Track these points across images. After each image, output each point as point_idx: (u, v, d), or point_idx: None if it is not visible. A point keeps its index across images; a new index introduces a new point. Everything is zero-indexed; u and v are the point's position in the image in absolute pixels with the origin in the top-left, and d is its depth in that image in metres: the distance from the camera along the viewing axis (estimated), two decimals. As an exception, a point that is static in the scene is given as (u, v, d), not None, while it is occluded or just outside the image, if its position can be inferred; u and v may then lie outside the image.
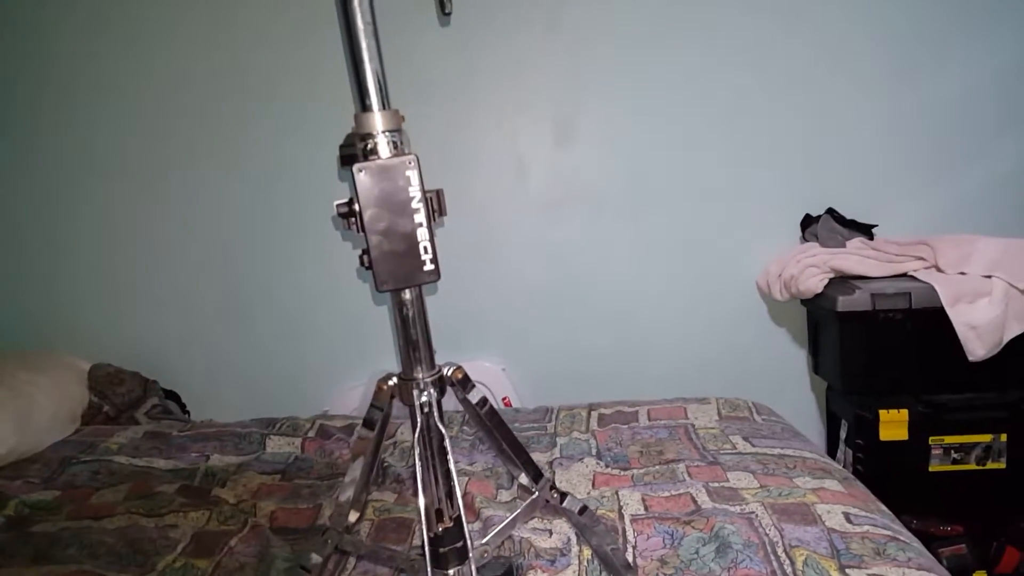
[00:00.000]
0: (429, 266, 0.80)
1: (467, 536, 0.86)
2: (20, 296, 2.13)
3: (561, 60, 1.95)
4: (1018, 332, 1.62)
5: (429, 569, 0.81)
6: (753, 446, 1.51)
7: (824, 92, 1.92)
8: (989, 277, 1.65)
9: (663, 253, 2.04)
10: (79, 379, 1.97)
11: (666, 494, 1.33)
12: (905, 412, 1.68)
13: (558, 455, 1.56)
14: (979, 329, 1.62)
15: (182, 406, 2.14)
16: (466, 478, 1.45)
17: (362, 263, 0.81)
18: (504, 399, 2.04)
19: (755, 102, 1.94)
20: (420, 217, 0.79)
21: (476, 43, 1.94)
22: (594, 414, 1.75)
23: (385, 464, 1.57)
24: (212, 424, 1.87)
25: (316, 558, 0.99)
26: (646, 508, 1.29)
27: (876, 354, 1.73)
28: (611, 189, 2.01)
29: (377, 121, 0.82)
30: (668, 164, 1.99)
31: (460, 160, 2.01)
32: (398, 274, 0.80)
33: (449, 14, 0.86)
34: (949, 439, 1.68)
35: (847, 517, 1.19)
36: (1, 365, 1.83)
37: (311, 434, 1.75)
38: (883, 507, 1.27)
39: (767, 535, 1.15)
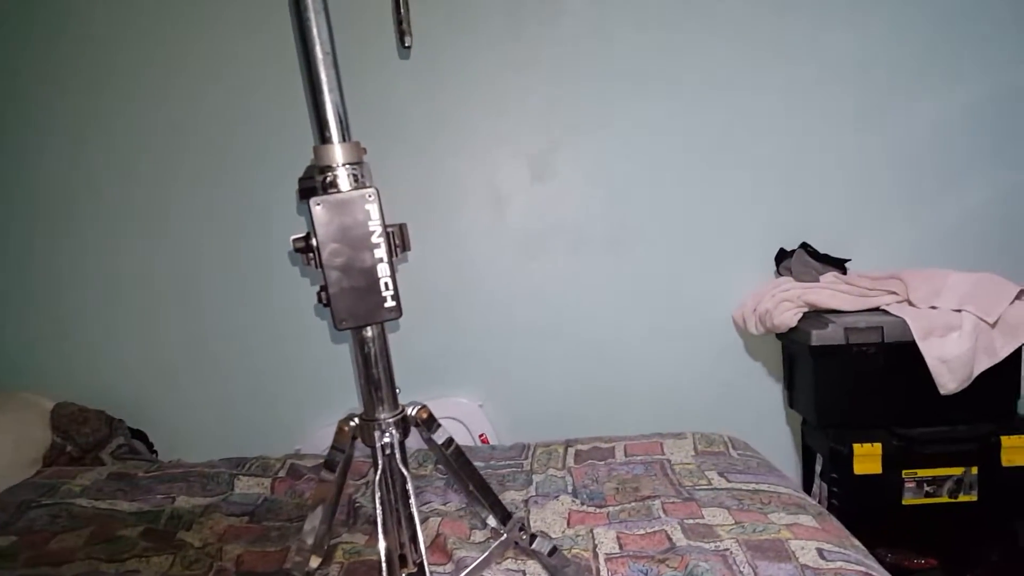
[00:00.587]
0: (390, 303, 0.79)
1: (429, 581, 0.83)
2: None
3: (539, 96, 1.97)
4: (988, 366, 1.64)
5: (390, 615, 0.78)
6: (729, 481, 1.49)
7: (798, 129, 1.96)
8: (959, 311, 1.67)
9: (641, 288, 2.04)
10: (41, 419, 1.92)
11: (641, 532, 1.31)
12: (879, 446, 1.68)
13: (534, 493, 1.54)
14: (950, 363, 1.63)
15: (149, 445, 2.08)
16: (439, 518, 1.42)
17: (320, 300, 0.79)
18: (481, 436, 2.01)
19: (731, 139, 1.97)
20: (381, 252, 0.78)
21: (452, 78, 1.96)
22: (571, 450, 1.73)
23: (357, 504, 1.53)
24: (180, 464, 1.82)
25: (276, 606, 0.95)
26: (621, 546, 1.27)
27: (850, 388, 1.74)
28: (589, 224, 2.02)
29: (337, 153, 0.80)
30: (646, 200, 2.00)
31: (437, 194, 2.01)
32: (358, 312, 0.79)
33: (409, 47, 0.86)
34: (922, 472, 1.67)
35: (821, 553, 1.17)
36: (-40, 405, 1.78)
37: (281, 474, 1.71)
38: (857, 542, 1.26)
39: (741, 572, 1.13)
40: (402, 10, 0.87)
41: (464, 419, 2.02)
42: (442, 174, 2.00)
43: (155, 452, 2.09)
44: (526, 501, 1.49)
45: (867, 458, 1.68)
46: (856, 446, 1.68)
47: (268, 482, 1.67)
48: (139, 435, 2.08)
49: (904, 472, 1.68)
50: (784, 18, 1.91)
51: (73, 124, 1.99)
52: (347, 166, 0.80)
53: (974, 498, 1.67)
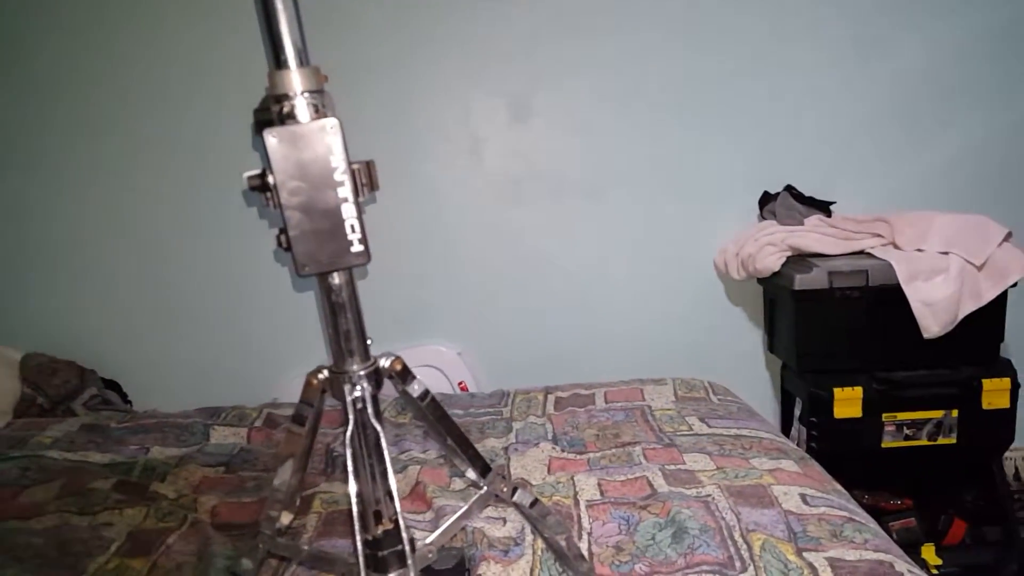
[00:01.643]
0: (357, 247, 0.73)
1: (405, 540, 0.80)
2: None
3: (516, 34, 1.88)
4: (973, 309, 1.63)
5: (363, 573, 0.75)
6: (709, 427, 1.48)
7: (780, 70, 1.90)
8: (946, 254, 1.65)
9: (622, 233, 2.00)
10: (10, 370, 1.86)
11: (622, 478, 1.30)
12: (859, 390, 1.68)
13: (514, 440, 1.52)
14: (935, 306, 1.62)
15: (124, 396, 2.04)
16: (419, 466, 1.40)
17: (279, 244, 0.73)
18: (460, 383, 1.99)
19: (712, 81, 1.91)
20: (345, 191, 0.72)
21: (424, 9, 1.85)
22: (550, 398, 1.71)
23: (335, 453, 1.51)
24: (154, 415, 1.78)
25: (247, 563, 0.92)
26: (602, 493, 1.26)
27: (832, 332, 1.73)
28: (569, 169, 1.96)
29: (294, 80, 0.73)
30: (626, 143, 1.94)
31: (409, 136, 1.93)
32: (321, 257, 0.73)
33: None
34: (902, 415, 1.68)
35: (804, 499, 1.17)
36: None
37: (258, 423, 1.68)
38: (839, 487, 1.26)
39: (724, 519, 1.12)
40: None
41: (443, 367, 2.00)
42: (413, 111, 1.92)
43: (129, 403, 2.05)
44: (506, 449, 1.48)
45: (847, 402, 1.69)
46: (837, 390, 1.69)
47: (244, 432, 1.64)
48: (113, 385, 2.03)
49: (884, 416, 1.68)
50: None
51: (35, 76, 1.88)
52: (306, 94, 0.72)
53: (953, 440, 1.69)
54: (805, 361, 1.77)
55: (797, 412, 1.84)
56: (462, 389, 1.98)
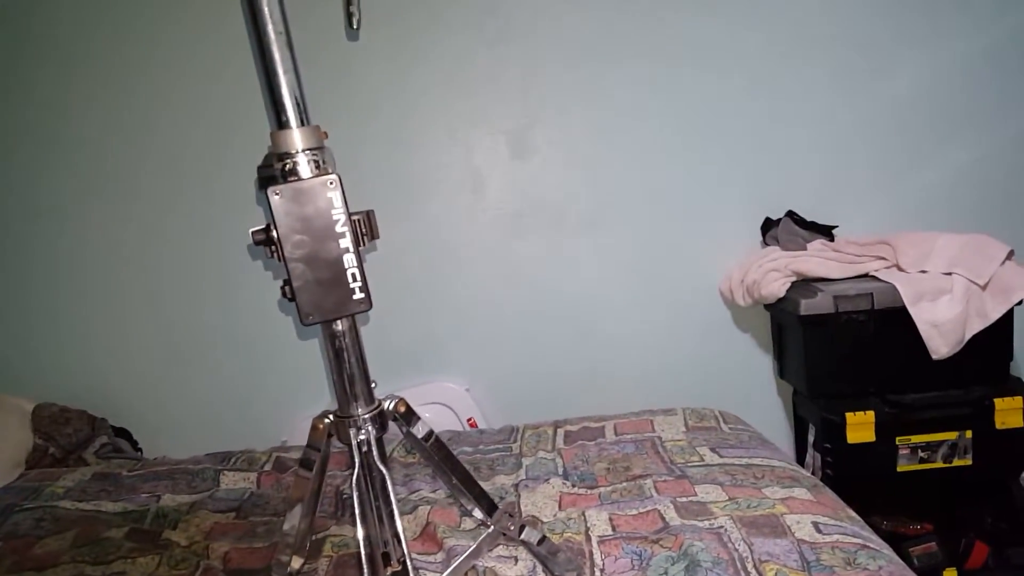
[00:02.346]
0: (359, 294, 0.75)
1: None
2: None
3: (513, 71, 1.92)
4: (979, 328, 1.62)
5: (373, 617, 0.75)
6: (721, 457, 1.47)
7: (777, 95, 1.92)
8: (949, 274, 1.65)
9: (625, 263, 2.01)
10: (22, 421, 1.88)
11: (634, 512, 1.29)
12: (871, 414, 1.66)
13: (524, 476, 1.51)
14: (941, 327, 1.61)
15: (134, 443, 2.05)
16: (429, 506, 1.39)
17: (284, 294, 0.75)
18: (469, 420, 1.99)
19: (710, 108, 1.93)
20: (346, 242, 0.74)
21: (422, 56, 1.90)
22: (560, 431, 1.71)
23: (345, 496, 1.51)
24: (164, 461, 1.79)
25: (259, 608, 0.92)
26: (613, 528, 1.25)
27: (840, 356, 1.72)
28: (570, 201, 1.98)
29: (295, 139, 0.76)
30: (626, 173, 1.96)
31: (412, 176, 1.96)
32: (324, 305, 0.75)
33: (357, 29, 0.81)
34: (916, 438, 1.67)
35: (816, 527, 1.16)
36: (-65, 412, 1.73)
37: (267, 467, 1.68)
38: (852, 513, 1.25)
39: (736, 550, 1.11)
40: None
41: (452, 404, 2.00)
42: (414, 157, 1.96)
43: (139, 450, 2.06)
44: (516, 485, 1.47)
45: (860, 426, 1.67)
46: (848, 415, 1.67)
47: (254, 476, 1.64)
48: (123, 433, 2.04)
49: (898, 439, 1.67)
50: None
51: (38, 124, 1.94)
52: (307, 152, 0.75)
53: (968, 462, 1.67)
54: (815, 386, 1.76)
55: (811, 438, 1.83)
56: (471, 425, 1.98)
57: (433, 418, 1.96)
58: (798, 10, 1.88)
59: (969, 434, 1.66)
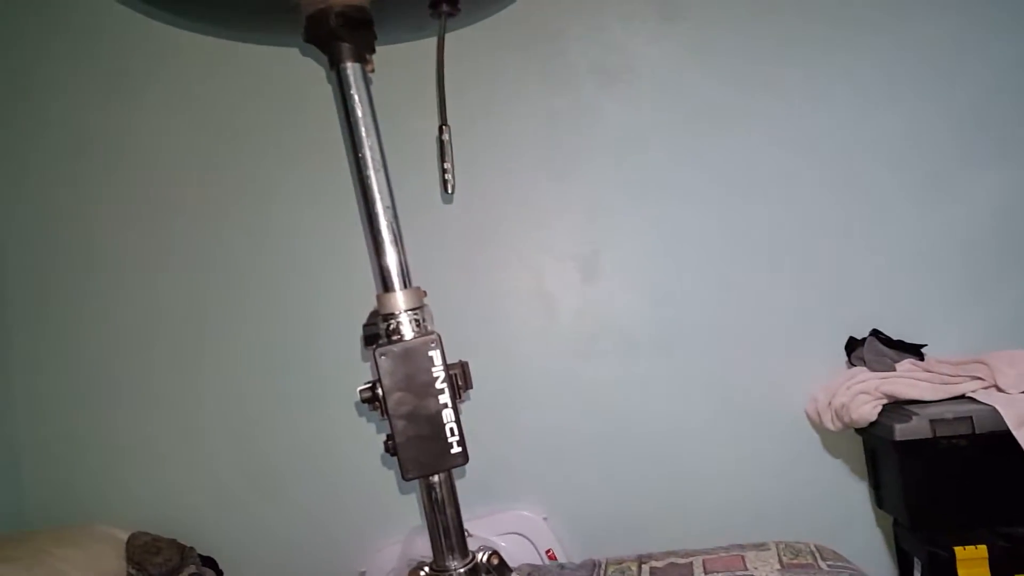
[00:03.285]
0: (456, 448, 0.78)
1: None
2: (55, 470, 2.14)
3: (581, 206, 2.00)
4: (1095, 453, 1.50)
5: None
6: (822, 600, 1.38)
7: (855, 213, 1.91)
8: (1054, 395, 1.56)
9: (703, 387, 1.97)
10: (116, 551, 1.93)
11: (732, 662, 1.21)
12: (983, 548, 1.53)
13: (610, 618, 1.45)
14: (1052, 453, 1.50)
15: (219, 572, 2.07)
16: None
17: (387, 449, 0.78)
18: (548, 552, 1.93)
19: (784, 229, 1.93)
20: (445, 398, 0.78)
21: (492, 195, 2.01)
22: (645, 567, 1.64)
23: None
24: (247, 593, 1.80)
25: None
26: None
27: (942, 485, 1.61)
28: (643, 324, 1.99)
29: (399, 301, 0.82)
30: (700, 295, 1.97)
31: (488, 303, 2.03)
32: (424, 460, 0.77)
33: (451, 193, 0.88)
34: (1039, 578, 1.52)
35: None
36: (35, 542, 1.80)
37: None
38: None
39: None
40: (447, 157, 0.90)
41: (529, 534, 1.95)
42: (492, 281, 2.03)
43: (223, 578, 2.07)
44: (604, 628, 1.41)
45: (972, 562, 1.54)
46: (958, 549, 1.55)
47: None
48: (209, 562, 2.07)
49: (1017, 577, 1.52)
50: (823, 105, 1.91)
51: (143, 258, 2.11)
52: (409, 312, 0.81)
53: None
54: (918, 517, 1.64)
55: (917, 574, 1.69)
56: (550, 558, 1.92)
57: (510, 548, 1.91)
58: (868, 126, 1.89)
59: (1098, 571, 1.51)
